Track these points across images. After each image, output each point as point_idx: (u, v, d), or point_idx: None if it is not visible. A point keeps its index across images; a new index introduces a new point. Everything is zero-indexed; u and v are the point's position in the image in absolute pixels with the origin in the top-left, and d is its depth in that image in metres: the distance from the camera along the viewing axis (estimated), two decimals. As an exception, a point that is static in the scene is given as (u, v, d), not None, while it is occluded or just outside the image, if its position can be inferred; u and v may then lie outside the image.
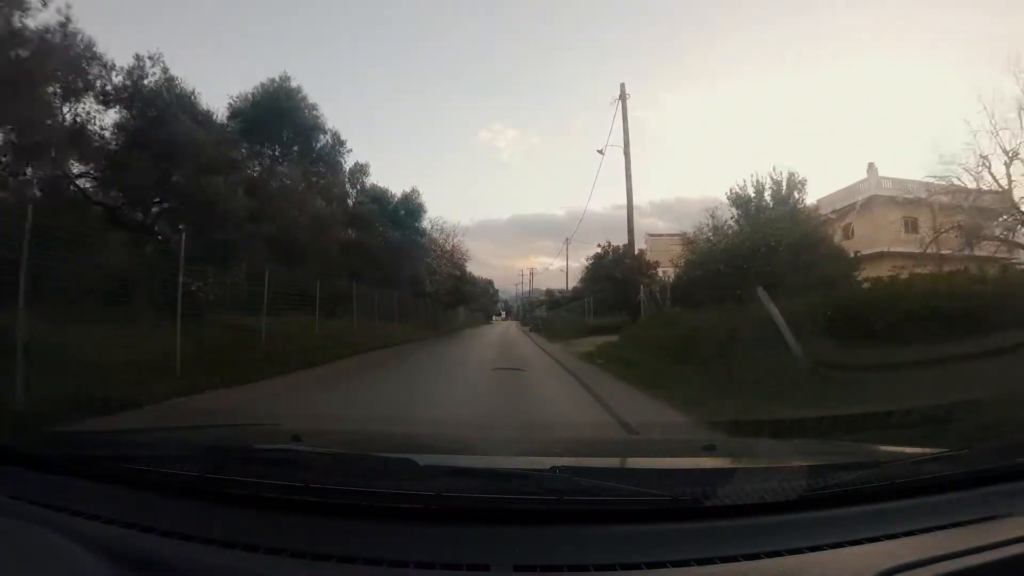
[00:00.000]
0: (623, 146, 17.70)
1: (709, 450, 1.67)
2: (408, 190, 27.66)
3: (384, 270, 22.60)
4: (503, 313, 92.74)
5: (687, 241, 16.85)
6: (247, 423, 3.28)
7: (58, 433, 2.22)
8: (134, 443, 1.71)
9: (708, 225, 16.59)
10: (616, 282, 27.64)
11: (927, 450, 1.52)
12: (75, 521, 1.07)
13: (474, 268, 64.77)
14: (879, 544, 1.01)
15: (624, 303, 22.31)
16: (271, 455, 1.28)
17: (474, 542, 1.02)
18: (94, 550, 0.94)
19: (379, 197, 25.69)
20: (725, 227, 15.50)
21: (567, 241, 44.34)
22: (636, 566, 0.94)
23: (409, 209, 27.14)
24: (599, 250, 33.62)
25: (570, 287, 43.99)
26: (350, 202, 23.63)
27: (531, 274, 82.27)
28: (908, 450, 1.59)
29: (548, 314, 46.60)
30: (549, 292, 68.27)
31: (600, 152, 19.27)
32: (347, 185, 24.48)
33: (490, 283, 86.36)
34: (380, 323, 18.55)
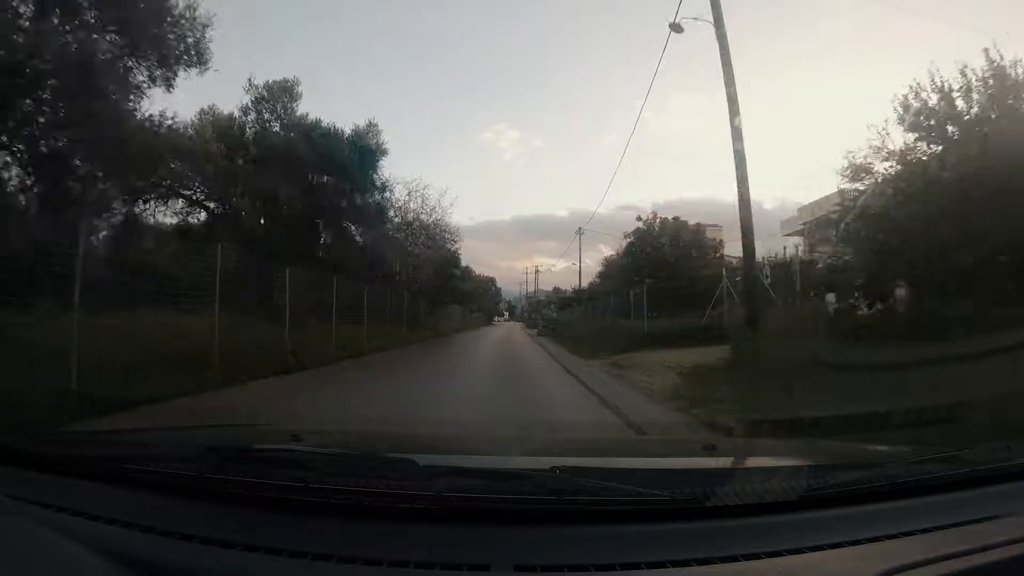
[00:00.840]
0: (713, 20, 9.72)
1: (709, 450, 1.67)
2: (362, 124, 18.45)
3: (313, 243, 15.58)
4: (506, 314, 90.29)
5: (856, 171, 8.35)
6: (247, 423, 3.28)
7: (58, 433, 2.22)
8: (134, 443, 1.71)
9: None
10: (671, 268, 21.44)
11: (927, 450, 1.52)
12: (75, 521, 1.07)
13: (475, 268, 60.23)
14: (879, 544, 1.01)
15: (695, 296, 16.14)
16: (271, 455, 1.29)
17: (474, 542, 1.02)
18: (94, 550, 0.94)
19: (312, 131, 16.84)
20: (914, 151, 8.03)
21: (579, 231, 37.11)
22: (636, 566, 0.94)
23: (364, 153, 17.63)
24: (639, 225, 26.43)
25: (585, 283, 39.03)
26: (279, 137, 16.31)
27: (536, 271, 76.47)
28: (908, 450, 1.59)
29: (560, 314, 39.48)
30: (557, 290, 64.24)
31: (674, 27, 11.38)
32: (267, 112, 16.53)
33: (492, 281, 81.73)
34: (313, 323, 12.03)
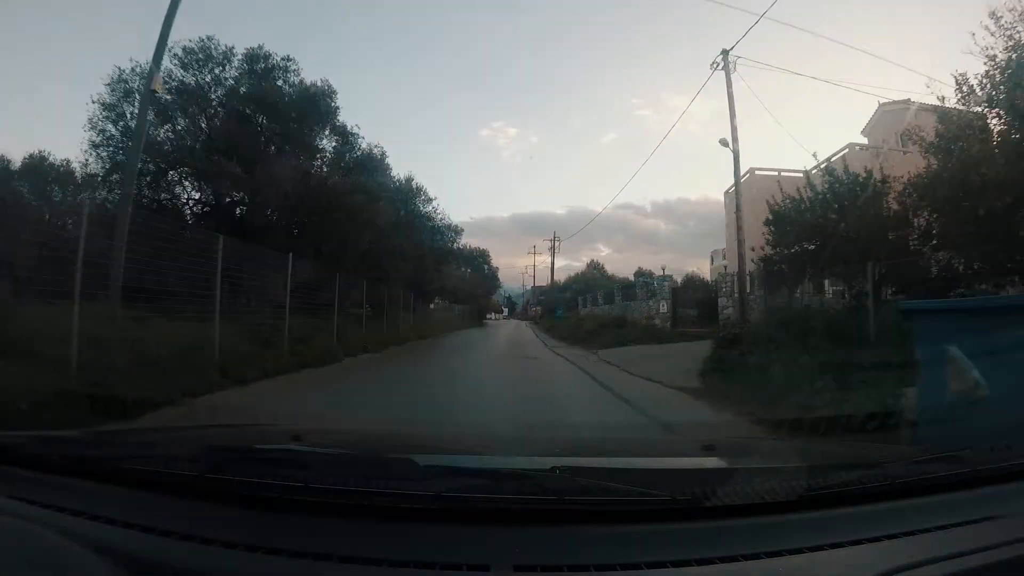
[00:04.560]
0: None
1: (709, 450, 1.67)
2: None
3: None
4: (505, 310, 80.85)
5: None
6: (247, 423, 3.28)
7: (58, 433, 2.22)
8: (134, 443, 1.71)
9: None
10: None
11: (927, 450, 1.52)
12: (75, 521, 1.06)
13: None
14: (879, 544, 1.01)
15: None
16: (271, 455, 1.29)
17: (474, 542, 1.02)
18: (94, 550, 0.94)
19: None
20: None
21: (725, 53, 13.84)
22: (636, 566, 0.94)
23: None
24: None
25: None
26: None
27: (555, 239, 49.77)
28: (908, 450, 1.60)
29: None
30: (593, 263, 47.55)
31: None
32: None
33: (484, 255, 56.87)
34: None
